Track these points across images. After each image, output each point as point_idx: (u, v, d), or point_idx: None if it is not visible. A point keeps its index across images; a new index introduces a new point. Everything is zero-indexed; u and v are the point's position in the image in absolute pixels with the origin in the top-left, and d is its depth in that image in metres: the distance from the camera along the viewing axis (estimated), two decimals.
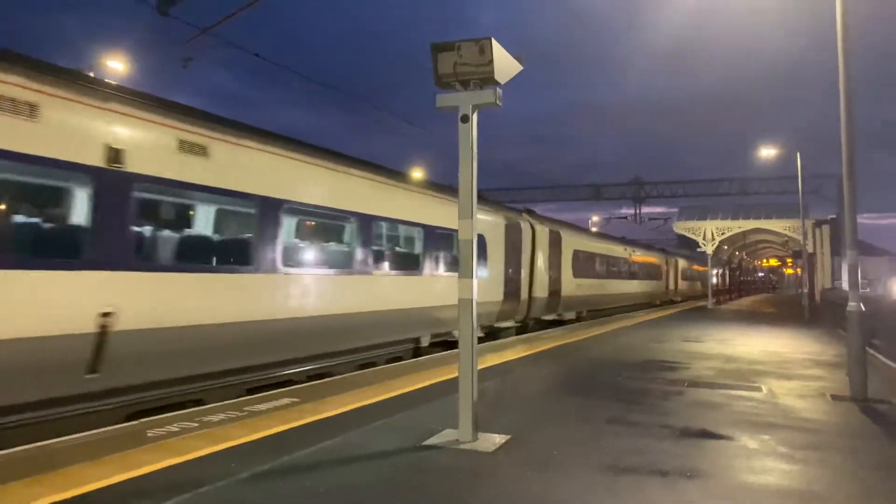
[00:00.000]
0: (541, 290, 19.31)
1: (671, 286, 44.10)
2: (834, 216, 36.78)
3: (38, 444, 5.37)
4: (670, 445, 5.76)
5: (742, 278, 61.49)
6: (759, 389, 8.78)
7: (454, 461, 5.18)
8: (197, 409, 6.83)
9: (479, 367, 9.87)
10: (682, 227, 38.22)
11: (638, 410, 7.23)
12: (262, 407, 6.90)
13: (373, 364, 11.17)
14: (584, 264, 24.19)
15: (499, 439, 5.75)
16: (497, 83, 5.81)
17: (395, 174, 12.75)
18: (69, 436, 5.68)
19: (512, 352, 12.32)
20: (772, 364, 11.48)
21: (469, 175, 5.89)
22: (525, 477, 4.79)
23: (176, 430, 5.83)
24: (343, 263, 10.45)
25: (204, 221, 8.96)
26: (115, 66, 20.67)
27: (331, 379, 9.11)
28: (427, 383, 8.59)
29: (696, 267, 50.96)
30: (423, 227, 12.64)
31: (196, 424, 6.04)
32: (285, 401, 7.23)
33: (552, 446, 5.64)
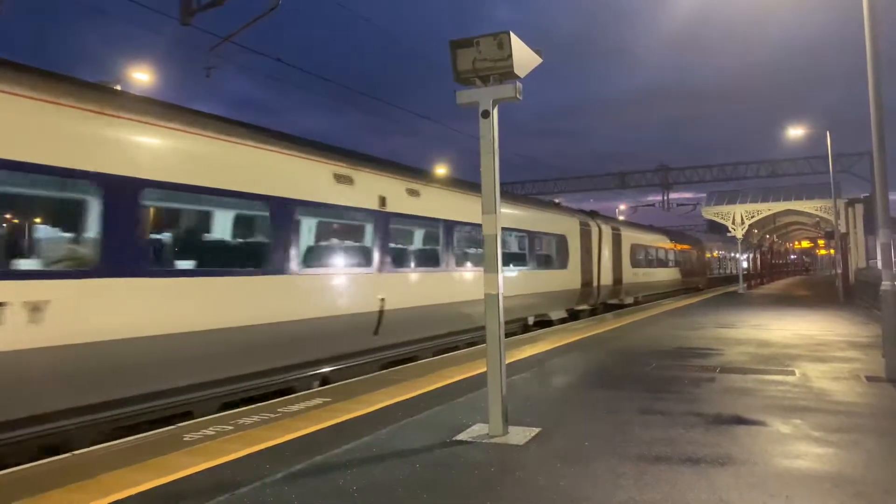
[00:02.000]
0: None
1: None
2: (867, 195, 35.99)
3: (78, 451, 5.53)
4: (702, 433, 5.73)
5: (774, 261, 60.46)
6: (792, 373, 8.68)
7: (485, 455, 5.22)
8: (232, 412, 6.97)
9: (511, 359, 10.00)
10: (710, 213, 37.73)
11: (669, 399, 7.20)
12: (295, 408, 7.01)
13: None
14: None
15: (529, 432, 5.78)
16: (517, 77, 5.81)
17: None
18: (108, 443, 5.84)
19: (543, 343, 12.32)
20: (806, 347, 11.32)
21: (492, 170, 5.90)
22: (556, 469, 4.81)
23: (212, 433, 5.96)
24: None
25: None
26: (141, 77, 21.02)
27: (361, 378, 9.21)
28: (457, 378, 8.64)
29: (714, 254, 51.59)
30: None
31: (231, 427, 6.17)
32: (317, 401, 7.34)
33: (583, 438, 5.66)
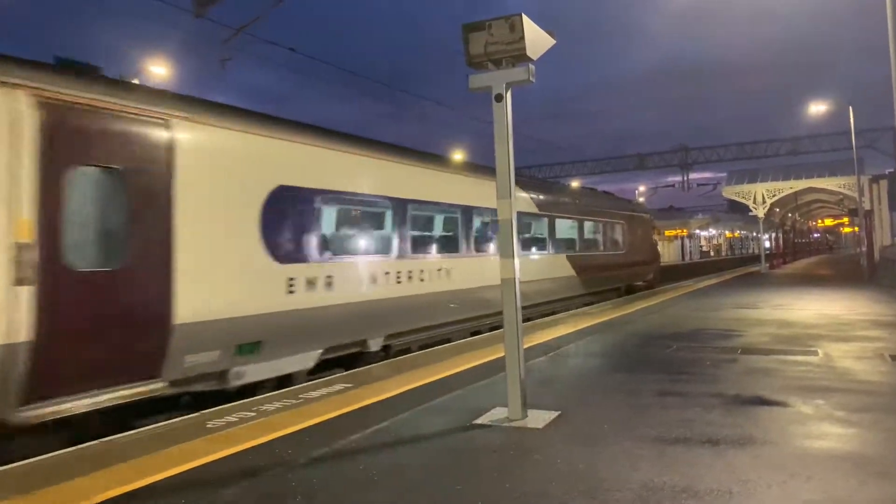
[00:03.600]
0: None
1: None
2: (892, 170, 35.32)
3: (105, 439, 5.65)
4: (721, 414, 5.72)
5: (796, 240, 59.72)
6: (815, 353, 8.60)
7: (504, 439, 5.25)
8: (254, 398, 7.07)
9: (530, 343, 10.02)
10: (731, 192, 37.35)
11: (689, 381, 7.17)
12: (316, 394, 7.09)
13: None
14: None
15: (548, 415, 5.80)
16: (529, 60, 5.77)
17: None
18: (133, 430, 5.96)
19: (562, 327, 12.31)
20: (829, 327, 11.20)
21: (506, 154, 5.88)
22: (575, 452, 4.83)
23: (234, 420, 6.05)
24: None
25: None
26: (158, 70, 21.16)
27: (381, 363, 9.29)
28: (476, 363, 8.67)
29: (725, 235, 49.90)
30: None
31: (254, 413, 6.26)
32: (338, 386, 7.42)
33: (602, 420, 5.66)
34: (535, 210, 15.90)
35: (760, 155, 46.50)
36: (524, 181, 16.47)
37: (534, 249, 16.09)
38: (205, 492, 4.22)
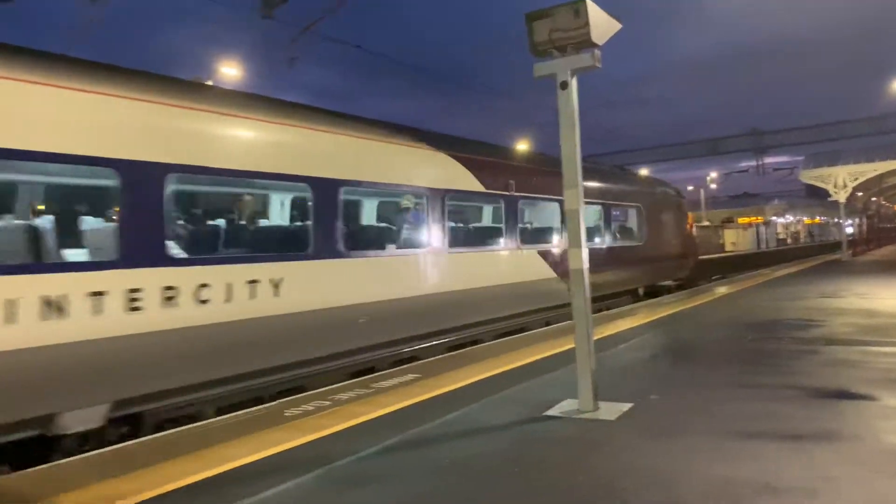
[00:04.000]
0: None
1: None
2: None
3: (198, 423, 5.93)
4: (802, 408, 5.51)
5: (880, 226, 56.65)
6: None
7: (576, 431, 5.22)
8: (328, 388, 7.24)
9: (600, 335, 9.86)
10: (809, 176, 35.69)
11: (767, 373, 6.94)
12: (387, 383, 7.21)
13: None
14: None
15: (621, 407, 5.72)
16: (595, 45, 5.68)
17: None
18: (220, 417, 6.23)
19: (632, 318, 12.10)
20: None
21: (572, 143, 5.82)
22: (649, 445, 4.76)
23: (310, 409, 6.23)
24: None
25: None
26: (230, 71, 21.93)
27: (450, 354, 9.37)
28: (544, 355, 8.63)
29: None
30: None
31: (328, 403, 6.42)
32: (409, 377, 7.53)
33: (676, 413, 5.56)
34: (479, 188, 11.30)
35: (840, 136, 44.22)
36: (448, 140, 11.67)
37: (475, 241, 11.68)
38: (284, 477, 4.36)
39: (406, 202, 10.26)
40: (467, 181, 10.99)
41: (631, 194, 17.39)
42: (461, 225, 11.88)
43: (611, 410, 5.64)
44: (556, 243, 13.20)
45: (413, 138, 10.39)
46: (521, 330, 11.86)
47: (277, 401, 6.79)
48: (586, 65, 5.69)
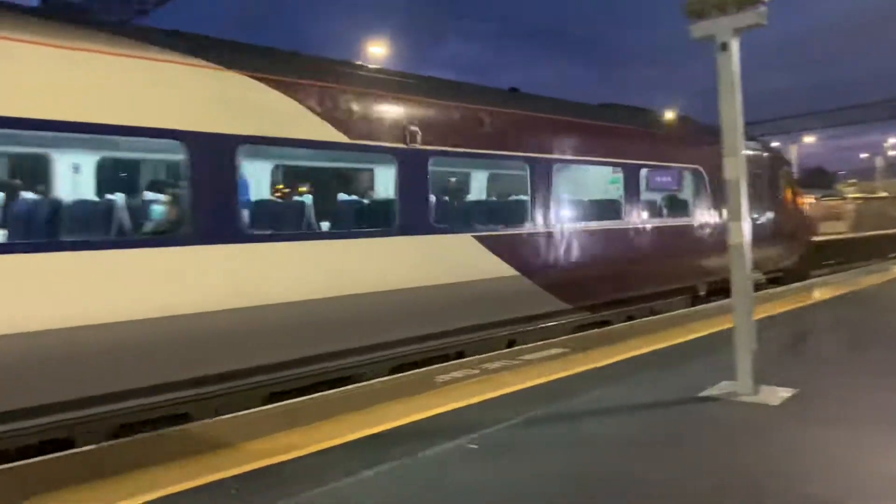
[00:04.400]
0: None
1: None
2: None
3: (353, 385, 6.34)
4: None
5: None
6: None
7: (735, 414, 4.97)
8: (478, 357, 7.42)
9: (757, 316, 9.06)
10: None
11: None
12: (534, 356, 7.25)
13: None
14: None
15: (784, 392, 5.35)
16: (760, 1, 5.25)
17: None
18: (377, 379, 6.61)
19: (789, 301, 11.13)
20: None
21: (733, 108, 5.47)
22: (816, 433, 4.45)
23: (460, 376, 6.42)
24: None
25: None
26: (378, 50, 22.88)
27: (598, 330, 9.22)
28: (696, 335, 8.21)
29: None
30: None
31: (477, 371, 6.58)
32: (555, 350, 7.51)
33: (846, 402, 5.14)
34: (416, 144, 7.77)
35: None
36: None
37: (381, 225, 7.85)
38: (434, 440, 4.53)
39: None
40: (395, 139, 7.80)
41: (681, 151, 12.54)
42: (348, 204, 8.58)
43: (773, 395, 5.29)
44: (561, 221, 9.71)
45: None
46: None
47: (427, 367, 7.06)
48: (751, 22, 5.29)
